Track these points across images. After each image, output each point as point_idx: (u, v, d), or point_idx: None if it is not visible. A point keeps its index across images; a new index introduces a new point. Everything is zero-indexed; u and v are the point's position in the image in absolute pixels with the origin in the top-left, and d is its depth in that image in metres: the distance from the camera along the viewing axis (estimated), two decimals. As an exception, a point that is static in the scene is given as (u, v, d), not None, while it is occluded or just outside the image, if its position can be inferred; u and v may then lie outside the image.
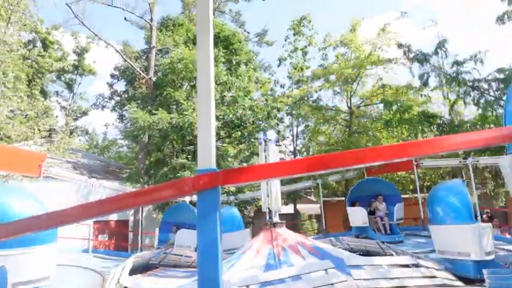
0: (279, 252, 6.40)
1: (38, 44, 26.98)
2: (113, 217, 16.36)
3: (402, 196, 17.86)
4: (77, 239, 11.48)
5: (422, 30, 37.90)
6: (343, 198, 18.37)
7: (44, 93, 26.22)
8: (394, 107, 15.45)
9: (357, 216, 11.60)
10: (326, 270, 5.21)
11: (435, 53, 14.88)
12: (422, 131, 14.60)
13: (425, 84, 15.15)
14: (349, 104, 18.33)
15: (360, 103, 18.96)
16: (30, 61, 23.14)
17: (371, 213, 11.60)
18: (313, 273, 5.25)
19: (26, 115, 16.93)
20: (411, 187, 16.54)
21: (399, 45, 15.65)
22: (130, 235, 16.94)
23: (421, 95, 16.01)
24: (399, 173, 16.73)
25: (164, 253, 9.15)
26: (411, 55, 15.30)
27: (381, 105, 17.38)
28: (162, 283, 7.14)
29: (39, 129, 15.52)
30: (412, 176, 15.08)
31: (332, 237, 10.89)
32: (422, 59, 14.91)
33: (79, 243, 11.71)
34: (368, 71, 17.97)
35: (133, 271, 7.70)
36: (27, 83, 17.93)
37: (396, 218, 11.17)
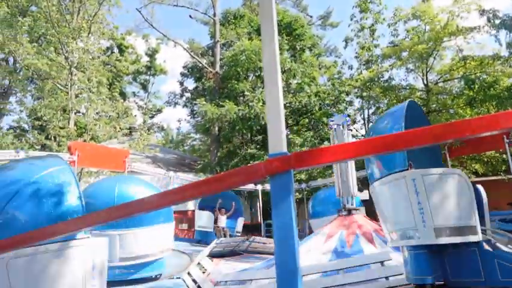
0: (349, 240, 6.18)
1: (115, 49, 29.26)
2: (191, 207, 17.22)
3: (493, 178, 16.15)
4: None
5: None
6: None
7: (123, 95, 28.47)
8: (477, 84, 13.95)
9: None
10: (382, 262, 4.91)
11: (528, 14, 13.07)
12: (513, 106, 12.98)
13: (515, 52, 13.43)
14: (425, 81, 16.96)
15: (438, 79, 17.43)
16: (109, 66, 25.16)
17: None
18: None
19: (109, 116, 18.51)
20: (503, 168, 14.86)
21: (482, 11, 14.00)
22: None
23: (511, 66, 14.24)
24: (487, 153, 15.12)
25: (245, 241, 9.45)
26: (497, 21, 13.62)
27: (463, 80, 15.83)
28: (240, 267, 7.32)
29: (120, 128, 16.88)
30: (504, 155, 13.53)
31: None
32: (510, 24, 13.19)
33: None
34: (445, 43, 16.36)
35: (214, 256, 8.06)
36: (108, 86, 19.54)
37: None
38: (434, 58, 16.81)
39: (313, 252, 6.17)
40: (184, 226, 16.45)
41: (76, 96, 14.99)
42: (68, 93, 14.42)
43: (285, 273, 3.00)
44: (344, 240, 6.27)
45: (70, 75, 14.40)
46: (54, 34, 14.54)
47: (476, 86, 14.09)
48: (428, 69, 16.82)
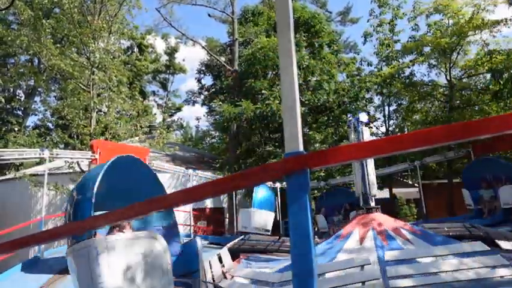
0: (383, 237, 6.05)
1: (135, 49, 29.73)
2: (209, 204, 17.35)
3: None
4: (180, 225, 12.40)
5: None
6: (445, 181, 16.73)
7: (143, 94, 28.91)
8: (505, 76, 13.45)
9: None
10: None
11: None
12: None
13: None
14: (448, 77, 16.48)
15: (462, 74, 16.91)
16: (129, 65, 25.55)
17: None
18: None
19: (130, 114, 18.81)
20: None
21: (510, 3, 13.49)
22: (226, 221, 17.79)
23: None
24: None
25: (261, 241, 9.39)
26: (525, 12, 13.08)
27: (488, 75, 15.30)
28: (258, 268, 7.29)
29: (141, 126, 17.13)
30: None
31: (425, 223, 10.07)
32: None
33: (180, 229, 12.65)
34: (470, 38, 15.84)
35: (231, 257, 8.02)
36: (128, 85, 19.84)
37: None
38: (458, 53, 16.33)
39: (354, 255, 6.02)
40: (203, 223, 16.59)
41: (98, 95, 15.29)
42: (90, 92, 14.72)
43: (301, 273, 2.96)
44: (379, 238, 6.11)
45: (91, 75, 14.69)
46: (77, 35, 14.85)
47: (504, 78, 13.59)
48: (451, 65, 16.35)
